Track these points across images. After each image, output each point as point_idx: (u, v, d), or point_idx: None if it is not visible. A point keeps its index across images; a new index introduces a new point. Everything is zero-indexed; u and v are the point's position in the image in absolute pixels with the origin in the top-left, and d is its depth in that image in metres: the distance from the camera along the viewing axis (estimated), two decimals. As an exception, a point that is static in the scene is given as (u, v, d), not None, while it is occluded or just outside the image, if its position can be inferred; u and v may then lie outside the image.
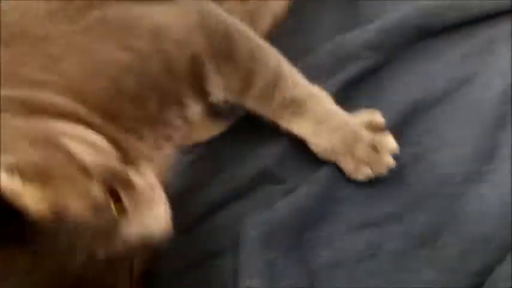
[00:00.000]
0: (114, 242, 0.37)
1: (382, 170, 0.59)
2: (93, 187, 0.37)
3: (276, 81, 0.58)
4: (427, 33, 0.69)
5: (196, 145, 0.63)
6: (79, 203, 0.36)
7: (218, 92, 0.57)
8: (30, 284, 0.35)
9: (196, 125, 0.58)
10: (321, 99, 0.60)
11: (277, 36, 0.68)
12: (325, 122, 0.59)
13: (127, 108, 0.49)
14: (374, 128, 0.60)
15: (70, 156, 0.38)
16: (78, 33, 0.50)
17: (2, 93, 0.44)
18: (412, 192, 0.59)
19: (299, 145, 0.61)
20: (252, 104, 0.59)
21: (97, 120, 0.46)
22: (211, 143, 0.64)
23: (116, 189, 0.39)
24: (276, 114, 0.60)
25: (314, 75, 0.62)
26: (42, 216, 0.34)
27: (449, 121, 0.63)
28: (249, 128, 0.63)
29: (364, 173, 0.59)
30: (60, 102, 0.45)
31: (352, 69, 0.64)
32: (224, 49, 0.56)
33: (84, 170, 0.38)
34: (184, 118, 0.55)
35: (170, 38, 0.53)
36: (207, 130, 0.62)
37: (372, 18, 0.70)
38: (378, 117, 0.60)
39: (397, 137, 0.60)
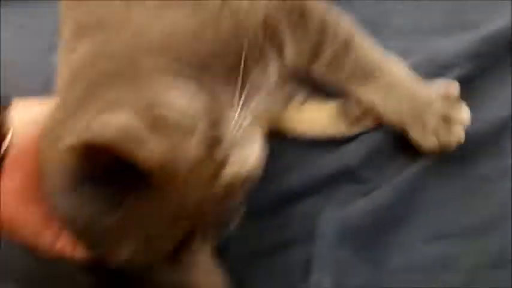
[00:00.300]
0: (219, 180, 0.42)
1: (451, 143, 0.59)
2: (195, 137, 0.42)
3: (345, 50, 0.59)
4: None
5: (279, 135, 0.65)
6: (186, 150, 0.41)
7: (292, 56, 0.59)
8: (153, 223, 0.42)
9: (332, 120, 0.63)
10: (394, 67, 0.61)
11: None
12: (394, 89, 0.60)
13: (212, 61, 0.52)
14: (449, 99, 0.60)
15: (173, 110, 0.43)
16: (155, 6, 0.54)
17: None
18: (496, 210, 0.58)
19: (384, 147, 0.62)
20: (320, 72, 0.61)
21: (189, 71, 0.50)
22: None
23: (213, 134, 0.44)
24: (345, 82, 0.61)
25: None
26: (159, 163, 0.39)
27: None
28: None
29: (431, 143, 0.59)
30: (156, 61, 0.50)
31: (447, 78, 0.63)
32: (296, 16, 0.58)
33: (186, 121, 0.43)
34: (266, 74, 0.57)
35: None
36: (340, 128, 0.64)
37: (471, 25, 0.69)
38: (453, 88, 0.60)
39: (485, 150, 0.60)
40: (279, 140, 0.64)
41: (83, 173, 0.39)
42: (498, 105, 0.64)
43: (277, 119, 0.65)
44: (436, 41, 0.69)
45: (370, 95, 0.61)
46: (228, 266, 0.56)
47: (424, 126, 0.59)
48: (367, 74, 0.60)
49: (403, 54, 0.66)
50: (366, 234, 0.58)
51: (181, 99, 0.45)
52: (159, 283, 0.45)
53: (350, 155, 0.62)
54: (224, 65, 0.51)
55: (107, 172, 0.39)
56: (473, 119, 0.62)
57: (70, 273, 0.57)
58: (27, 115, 0.48)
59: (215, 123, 0.44)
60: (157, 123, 0.41)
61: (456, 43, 0.66)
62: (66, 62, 0.56)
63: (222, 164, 0.43)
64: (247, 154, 0.45)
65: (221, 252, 0.57)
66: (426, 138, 0.59)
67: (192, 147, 0.41)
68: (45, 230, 0.48)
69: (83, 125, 0.42)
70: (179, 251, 0.43)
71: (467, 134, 0.61)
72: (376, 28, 0.64)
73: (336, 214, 0.59)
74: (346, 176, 0.62)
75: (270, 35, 0.57)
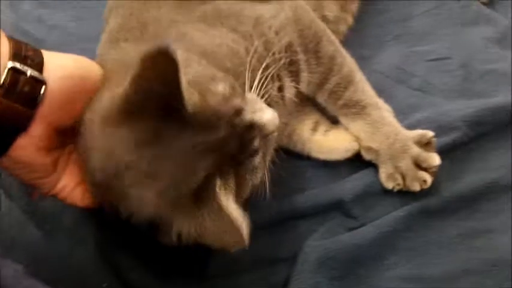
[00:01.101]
0: (242, 119, 0.52)
1: (415, 187, 0.66)
2: (219, 86, 0.52)
3: (347, 83, 0.70)
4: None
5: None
6: (213, 95, 0.51)
7: (304, 82, 0.69)
8: (183, 156, 0.50)
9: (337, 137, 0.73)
10: (382, 109, 0.70)
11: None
12: (379, 127, 0.69)
13: (240, 69, 0.62)
14: (424, 144, 0.67)
15: (201, 71, 0.54)
16: (197, 19, 0.66)
17: None
18: (464, 263, 0.63)
19: (376, 189, 0.68)
20: (323, 98, 0.71)
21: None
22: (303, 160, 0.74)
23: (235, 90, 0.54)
24: (340, 112, 0.71)
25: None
26: (196, 106, 0.49)
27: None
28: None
29: (395, 182, 0.66)
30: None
31: (446, 138, 0.70)
32: (312, 45, 0.69)
33: (212, 77, 0.53)
34: (281, 93, 0.68)
35: (268, 26, 0.67)
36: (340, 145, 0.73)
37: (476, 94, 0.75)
38: (429, 134, 0.67)
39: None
40: (294, 161, 0.73)
41: (140, 89, 0.47)
42: (489, 169, 0.70)
43: (299, 139, 0.75)
44: (443, 103, 0.75)
45: (358, 129, 0.70)
46: (213, 272, 0.65)
47: (395, 166, 0.66)
48: (359, 108, 0.69)
49: (411, 108, 0.72)
50: (342, 266, 0.64)
51: (208, 70, 0.55)
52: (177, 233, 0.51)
53: (346, 190, 0.69)
54: (246, 75, 0.60)
55: (153, 106, 0.47)
56: (466, 179, 0.68)
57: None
58: (60, 70, 0.52)
59: (235, 87, 0.54)
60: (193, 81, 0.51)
61: (461, 108, 0.72)
62: (110, 53, 0.64)
63: (242, 107, 0.52)
64: (261, 112, 0.54)
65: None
66: (392, 177, 0.67)
67: (220, 88, 0.52)
68: (49, 176, 0.55)
69: None
70: (201, 196, 0.50)
71: (451, 191, 0.67)
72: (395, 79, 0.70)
73: (320, 242, 0.65)
74: (339, 209, 0.68)
75: (289, 61, 0.67)
